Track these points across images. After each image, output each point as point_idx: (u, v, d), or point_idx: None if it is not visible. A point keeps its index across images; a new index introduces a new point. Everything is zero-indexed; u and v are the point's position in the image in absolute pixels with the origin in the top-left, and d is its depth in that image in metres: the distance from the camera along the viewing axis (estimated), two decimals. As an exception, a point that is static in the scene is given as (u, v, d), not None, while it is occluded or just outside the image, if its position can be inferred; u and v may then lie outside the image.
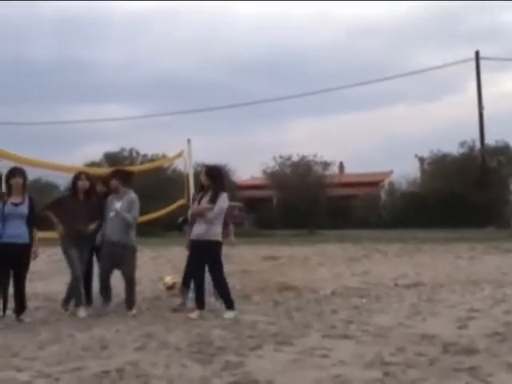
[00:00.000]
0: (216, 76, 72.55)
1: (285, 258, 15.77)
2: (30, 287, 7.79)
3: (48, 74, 65.87)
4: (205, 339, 5.91)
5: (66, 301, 7.55)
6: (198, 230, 7.22)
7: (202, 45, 69.44)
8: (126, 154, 38.94)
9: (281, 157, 42.42)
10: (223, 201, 7.29)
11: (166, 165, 32.46)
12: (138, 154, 39.07)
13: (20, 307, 7.00)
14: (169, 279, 9.08)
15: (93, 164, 33.06)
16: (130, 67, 69.93)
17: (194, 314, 7.17)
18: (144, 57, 71.71)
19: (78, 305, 7.39)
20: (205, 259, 7.24)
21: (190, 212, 7.44)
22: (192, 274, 7.51)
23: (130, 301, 7.41)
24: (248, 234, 27.15)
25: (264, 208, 40.49)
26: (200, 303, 7.27)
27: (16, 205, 6.90)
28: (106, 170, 8.81)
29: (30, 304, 8.04)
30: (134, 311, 7.35)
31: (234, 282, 10.20)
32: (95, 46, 71.09)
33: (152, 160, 33.55)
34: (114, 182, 7.59)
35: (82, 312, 7.32)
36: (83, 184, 7.43)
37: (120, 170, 8.19)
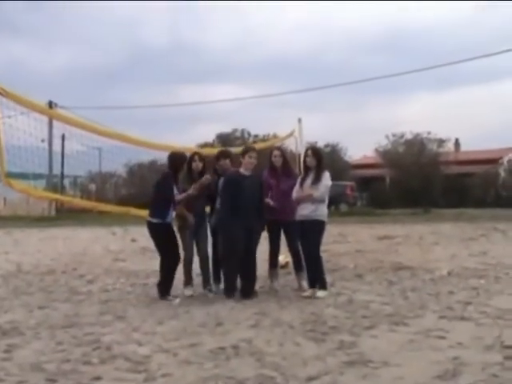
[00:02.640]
0: (330, 54, 72.22)
1: (399, 238, 15.46)
2: (146, 265, 8.10)
3: (163, 57, 68.33)
4: (318, 318, 5.87)
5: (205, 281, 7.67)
6: (305, 211, 7.16)
7: (316, 21, 69.28)
8: (237, 134, 39.62)
9: (394, 135, 41.63)
10: (327, 179, 7.22)
11: (277, 144, 32.68)
12: (249, 134, 39.67)
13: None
14: (281, 258, 9.10)
15: (206, 145, 33.83)
16: (245, 49, 71.08)
17: (308, 293, 7.14)
18: (258, 38, 72.55)
19: (186, 284, 7.54)
20: (311, 239, 7.16)
21: (294, 196, 7.35)
22: (303, 254, 7.44)
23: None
24: (361, 213, 26.88)
25: (377, 187, 39.87)
26: (312, 281, 7.23)
27: None
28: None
29: (150, 281, 8.39)
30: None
31: (347, 262, 10.13)
32: (209, 29, 72.80)
33: (263, 140, 33.75)
34: (226, 163, 7.67)
35: (188, 291, 7.47)
36: (197, 165, 7.55)
37: (229, 151, 8.27)
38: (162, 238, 7.14)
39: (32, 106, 8.05)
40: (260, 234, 7.31)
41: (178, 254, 7.22)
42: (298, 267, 7.75)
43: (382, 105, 70.61)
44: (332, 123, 68.30)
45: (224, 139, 37.49)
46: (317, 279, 7.19)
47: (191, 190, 7.19)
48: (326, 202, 7.30)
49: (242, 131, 39.73)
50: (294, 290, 7.62)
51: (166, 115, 57.32)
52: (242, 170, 7.27)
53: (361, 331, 5.32)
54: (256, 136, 39.02)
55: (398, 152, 40.78)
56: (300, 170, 9.97)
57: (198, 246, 7.52)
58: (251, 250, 7.12)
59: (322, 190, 7.11)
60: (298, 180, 7.42)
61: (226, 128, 40.26)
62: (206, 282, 7.58)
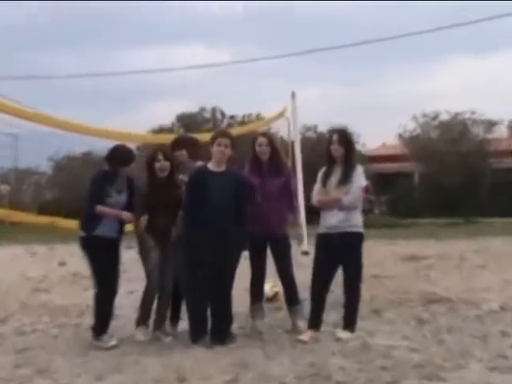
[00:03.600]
0: (334, 4, 72.53)
1: (431, 258, 15.52)
2: (79, 297, 8.08)
3: (105, 16, 68.29)
4: (320, 371, 5.88)
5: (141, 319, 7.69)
6: (332, 220, 7.26)
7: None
8: (206, 115, 39.49)
9: (424, 115, 41.62)
10: (360, 177, 7.31)
11: (261, 129, 32.64)
12: (223, 114, 39.53)
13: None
14: (268, 287, 9.10)
15: (162, 130, 33.68)
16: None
17: (306, 336, 7.16)
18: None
19: (140, 323, 7.56)
20: (341, 258, 7.25)
21: (315, 199, 7.40)
22: (315, 280, 7.49)
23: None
24: (379, 224, 26.96)
25: (401, 187, 39.95)
26: (315, 320, 7.27)
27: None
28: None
29: (85, 320, 8.38)
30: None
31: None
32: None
33: (242, 123, 33.71)
34: (182, 154, 7.69)
35: (141, 334, 7.48)
36: (162, 166, 7.54)
37: (187, 138, 8.30)
38: (90, 258, 7.25)
39: None
40: (238, 254, 7.31)
41: (112, 282, 7.28)
42: (291, 299, 7.79)
43: (407, 73, 71.03)
44: (338, 99, 68.60)
45: (188, 122, 37.39)
46: (348, 316, 7.32)
47: (124, 215, 7.28)
48: (360, 207, 7.41)
49: (213, 110, 39.58)
50: (287, 331, 7.64)
51: (107, 90, 57.23)
52: (210, 164, 7.28)
53: (379, 389, 5.37)
54: (232, 117, 38.92)
55: (431, 138, 40.87)
56: (294, 164, 10.03)
57: (161, 273, 7.53)
58: (225, 275, 7.13)
59: (355, 193, 7.22)
60: (319, 175, 7.50)
61: (191, 106, 40.13)
62: (160, 322, 7.59)
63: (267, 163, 7.76)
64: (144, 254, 7.50)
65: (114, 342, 7.10)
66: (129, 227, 7.64)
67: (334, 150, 7.36)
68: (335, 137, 7.44)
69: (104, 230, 7.19)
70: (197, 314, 7.16)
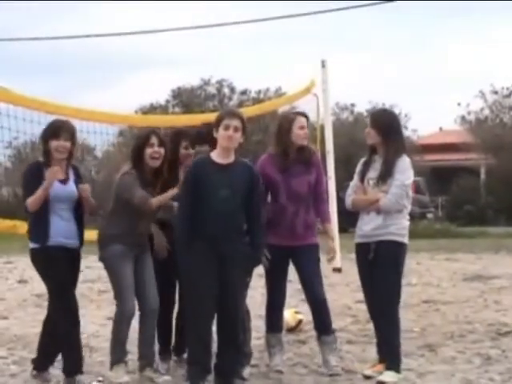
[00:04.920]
0: None
1: (502, 278, 15.47)
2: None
3: None
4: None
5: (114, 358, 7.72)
6: (367, 227, 7.28)
7: None
8: (211, 89, 39.46)
9: (494, 91, 41.44)
10: (406, 171, 7.27)
11: (282, 109, 32.50)
12: (232, 89, 39.52)
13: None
14: (289, 314, 9.10)
15: (154, 108, 33.69)
16: None
17: (370, 371, 7.28)
18: None
19: (115, 361, 7.52)
20: (380, 276, 7.23)
21: (349, 199, 7.39)
22: (366, 301, 7.57)
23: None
24: (435, 234, 26.87)
25: (464, 186, 39.74)
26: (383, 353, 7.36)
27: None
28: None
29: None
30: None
31: (408, 321, 10.15)
32: None
33: (258, 101, 33.64)
34: (205, 149, 7.70)
35: (121, 375, 7.42)
36: (156, 153, 7.56)
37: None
38: (43, 275, 7.29)
39: None
40: (250, 271, 7.25)
41: (66, 303, 7.20)
42: (323, 327, 7.70)
43: (470, 37, 70.72)
44: (380, 71, 68.41)
45: (187, 98, 37.41)
46: (386, 350, 7.31)
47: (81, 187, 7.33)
48: (408, 209, 7.40)
49: (220, 84, 39.60)
50: (313, 371, 7.65)
51: (82, 56, 57.26)
52: (214, 153, 7.20)
53: None
54: (244, 93, 38.94)
55: (503, 123, 40.73)
56: (324, 153, 10.02)
57: (139, 291, 7.55)
58: (232, 298, 7.04)
59: (397, 193, 7.18)
60: (358, 168, 7.52)
61: (191, 79, 39.95)
62: (148, 357, 7.60)
63: (295, 154, 7.64)
64: (112, 267, 7.45)
65: None
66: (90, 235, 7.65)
67: (367, 136, 7.41)
68: (369, 120, 7.51)
69: (55, 236, 7.15)
70: (198, 349, 6.98)
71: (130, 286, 7.34)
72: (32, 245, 7.21)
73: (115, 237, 7.32)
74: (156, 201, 7.22)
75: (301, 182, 7.56)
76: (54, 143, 7.19)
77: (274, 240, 7.42)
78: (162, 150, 7.50)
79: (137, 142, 7.65)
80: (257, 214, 7.07)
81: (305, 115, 7.95)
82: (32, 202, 6.99)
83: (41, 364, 7.32)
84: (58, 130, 7.24)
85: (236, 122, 6.93)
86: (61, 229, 7.14)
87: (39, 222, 7.10)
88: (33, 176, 7.15)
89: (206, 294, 6.82)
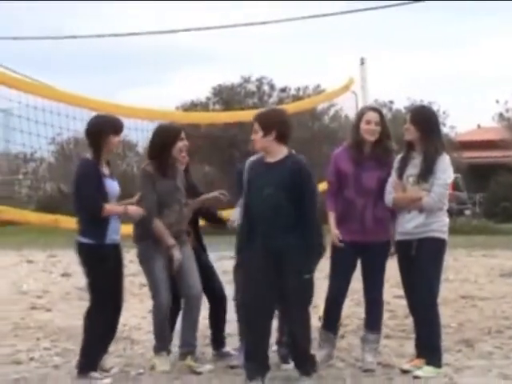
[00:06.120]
0: None
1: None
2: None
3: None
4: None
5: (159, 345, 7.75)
6: (409, 225, 7.24)
7: None
8: (251, 87, 39.38)
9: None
10: (447, 170, 7.25)
11: (321, 106, 32.45)
12: (271, 87, 39.44)
13: None
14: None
15: (195, 105, 33.70)
16: None
17: (407, 366, 7.26)
18: None
19: (158, 350, 7.62)
20: (421, 273, 7.21)
21: (390, 197, 7.34)
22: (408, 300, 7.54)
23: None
24: (472, 230, 26.73)
25: (502, 183, 39.45)
26: (421, 348, 7.33)
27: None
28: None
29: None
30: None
31: (445, 317, 10.08)
32: None
33: (297, 98, 33.56)
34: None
35: (163, 363, 7.52)
36: (185, 146, 7.62)
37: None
38: (93, 269, 7.30)
39: None
40: (307, 267, 6.96)
41: (117, 298, 7.38)
42: (371, 324, 7.71)
43: (503, 34, 70.09)
44: (419, 69, 68.05)
45: (227, 96, 37.38)
46: (425, 346, 7.28)
47: (132, 210, 7.37)
48: (446, 206, 7.38)
49: (260, 82, 39.52)
50: (351, 364, 7.63)
51: (124, 54, 57.44)
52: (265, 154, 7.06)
53: None
54: (283, 90, 38.83)
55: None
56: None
57: (182, 281, 7.61)
58: (291, 293, 6.93)
59: (438, 192, 7.17)
60: (395, 164, 7.47)
61: (231, 76, 39.98)
62: (191, 345, 7.63)
63: (371, 148, 7.58)
64: (147, 262, 7.58)
65: (108, 381, 7.11)
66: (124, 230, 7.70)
67: (406, 132, 7.38)
68: (408, 116, 7.49)
69: (111, 234, 7.27)
70: (253, 345, 6.98)
71: (162, 280, 7.45)
72: (86, 240, 7.21)
73: (147, 232, 7.41)
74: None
75: (371, 177, 7.48)
76: (115, 139, 7.38)
77: (345, 236, 7.42)
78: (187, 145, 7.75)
79: (167, 136, 7.71)
80: (308, 211, 6.87)
81: (377, 110, 7.91)
82: (109, 211, 7.16)
83: (85, 363, 7.25)
84: (120, 126, 7.44)
85: (256, 126, 6.95)
86: (114, 226, 7.29)
87: (99, 220, 7.13)
88: (92, 176, 7.20)
89: (262, 291, 6.81)
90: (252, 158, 7.41)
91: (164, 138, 7.62)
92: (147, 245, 7.48)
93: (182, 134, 7.71)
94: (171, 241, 7.36)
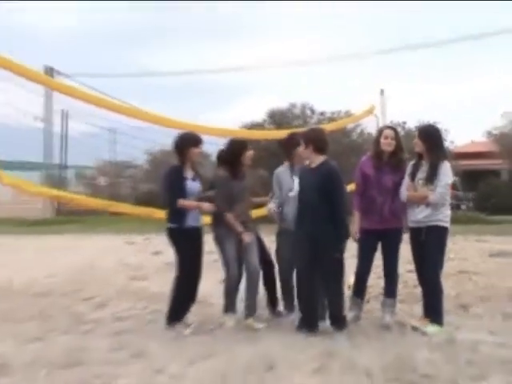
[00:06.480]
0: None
1: (520, 255, 15.11)
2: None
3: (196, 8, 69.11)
4: (406, 363, 5.83)
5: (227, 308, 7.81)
6: (420, 215, 7.29)
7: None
8: (296, 111, 39.32)
9: (513, 111, 40.61)
10: (446, 174, 7.26)
11: (350, 126, 32.37)
12: (312, 111, 39.33)
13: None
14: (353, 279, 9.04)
15: (254, 125, 33.74)
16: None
17: (417, 322, 7.30)
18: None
19: (227, 310, 7.73)
20: (427, 253, 7.24)
21: (404, 194, 7.40)
22: (418, 274, 7.56)
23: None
24: (467, 221, 26.48)
25: (490, 184, 39.00)
26: (428, 310, 7.34)
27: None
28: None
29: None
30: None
31: (447, 287, 9.99)
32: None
33: (332, 120, 33.48)
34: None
35: (230, 320, 7.64)
36: (251, 155, 7.71)
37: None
38: (179, 247, 7.50)
39: (24, 73, 8.16)
40: (336, 249, 7.07)
41: (197, 270, 7.51)
42: (389, 292, 7.76)
43: (498, 71, 69.38)
44: (427, 96, 67.50)
45: (278, 118, 37.34)
46: (431, 309, 7.29)
47: (206, 206, 7.46)
48: (449, 201, 7.41)
49: (303, 107, 39.41)
50: (372, 324, 7.60)
51: (202, 86, 57.94)
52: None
53: (466, 382, 5.27)
54: (322, 114, 38.67)
55: (520, 136, 39.86)
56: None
57: (246, 258, 7.68)
58: (322, 268, 7.13)
59: (441, 191, 7.21)
60: (408, 170, 7.51)
61: (281, 103, 39.97)
62: (251, 309, 7.67)
63: (388, 157, 7.65)
64: (221, 243, 7.66)
65: (187, 332, 7.25)
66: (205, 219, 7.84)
67: (415, 145, 7.43)
68: (417, 132, 7.62)
69: (192, 221, 7.44)
70: (304, 305, 7.25)
71: (233, 257, 7.56)
72: (171, 225, 7.43)
73: (221, 222, 7.53)
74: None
75: (388, 179, 7.56)
76: (196, 150, 7.54)
77: (366, 225, 7.58)
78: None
79: (238, 147, 7.77)
80: (336, 206, 7.02)
81: (392, 128, 8.01)
82: (185, 205, 7.32)
83: (172, 318, 7.41)
84: (199, 141, 7.58)
85: (301, 141, 7.41)
86: (193, 215, 7.44)
87: (179, 210, 7.33)
88: (177, 177, 7.41)
89: (307, 263, 7.11)
90: (279, 169, 7.97)
91: (235, 149, 7.70)
92: (222, 231, 7.59)
93: (248, 145, 7.78)
94: (240, 228, 7.51)
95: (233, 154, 7.70)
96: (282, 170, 7.96)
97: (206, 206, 7.45)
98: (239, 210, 7.57)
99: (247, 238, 7.53)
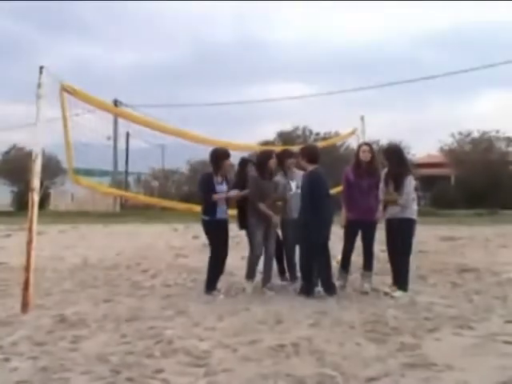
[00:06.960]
0: (396, 50, 71.39)
1: (464, 239, 15.12)
2: (207, 261, 8.20)
3: (228, 55, 69.38)
4: (379, 319, 5.81)
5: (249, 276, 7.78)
6: (393, 211, 7.22)
7: (381, 20, 68.58)
8: (298, 132, 39.41)
9: (460, 133, 40.51)
10: (409, 184, 7.16)
11: (338, 143, 32.32)
12: (310, 132, 39.39)
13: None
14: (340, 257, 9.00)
15: (266, 143, 33.84)
16: (308, 46, 71.01)
17: (389, 289, 7.26)
18: (322, 36, 72.52)
19: (248, 279, 7.64)
20: (399, 238, 7.17)
21: (380, 197, 7.36)
22: (389, 253, 7.44)
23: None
24: (424, 214, 26.37)
25: (441, 186, 38.91)
26: (396, 280, 7.29)
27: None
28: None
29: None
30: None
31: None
32: (275, 28, 73.35)
33: (324, 138, 33.51)
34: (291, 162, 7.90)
35: (249, 286, 7.57)
36: (274, 163, 7.68)
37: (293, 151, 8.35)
38: (211, 234, 7.38)
39: (98, 104, 8.22)
40: (316, 233, 7.02)
41: (225, 250, 7.41)
42: (367, 266, 7.67)
43: (448, 102, 69.41)
44: (395, 121, 67.39)
45: (285, 137, 37.40)
46: (398, 278, 7.24)
47: (231, 193, 7.41)
48: (415, 201, 7.32)
49: (304, 129, 39.50)
50: (355, 290, 7.54)
51: (229, 113, 58.12)
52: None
53: (423, 333, 5.24)
54: (317, 134, 38.70)
55: (464, 151, 39.69)
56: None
57: (266, 243, 7.60)
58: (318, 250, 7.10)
59: (406, 198, 7.13)
60: (383, 177, 7.41)
61: (288, 126, 40.13)
62: (265, 281, 7.64)
63: (366, 166, 7.57)
64: (252, 230, 7.52)
65: (221, 297, 7.21)
66: (231, 212, 7.71)
67: (383, 160, 7.48)
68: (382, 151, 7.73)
69: (221, 214, 7.36)
70: (305, 273, 7.15)
71: (259, 242, 7.46)
72: (205, 217, 7.35)
73: (253, 211, 7.44)
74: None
75: (365, 183, 7.47)
76: (227, 162, 7.45)
77: (350, 216, 7.49)
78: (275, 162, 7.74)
79: (263, 156, 7.66)
80: (318, 200, 6.96)
81: (368, 144, 7.89)
82: (216, 198, 7.24)
83: (208, 286, 7.38)
84: (229, 154, 7.50)
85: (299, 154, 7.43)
86: (221, 209, 7.34)
87: (212, 205, 7.26)
88: (208, 182, 7.33)
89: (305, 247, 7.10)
90: (276, 177, 7.78)
91: (264, 157, 7.62)
92: (253, 220, 7.44)
93: (273, 155, 7.68)
94: (270, 213, 7.38)
95: (262, 160, 7.61)
96: (279, 178, 7.84)
97: (232, 193, 7.39)
98: (267, 204, 7.44)
99: (275, 220, 7.43)
